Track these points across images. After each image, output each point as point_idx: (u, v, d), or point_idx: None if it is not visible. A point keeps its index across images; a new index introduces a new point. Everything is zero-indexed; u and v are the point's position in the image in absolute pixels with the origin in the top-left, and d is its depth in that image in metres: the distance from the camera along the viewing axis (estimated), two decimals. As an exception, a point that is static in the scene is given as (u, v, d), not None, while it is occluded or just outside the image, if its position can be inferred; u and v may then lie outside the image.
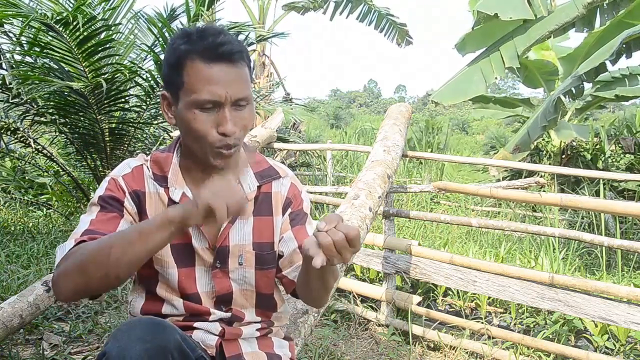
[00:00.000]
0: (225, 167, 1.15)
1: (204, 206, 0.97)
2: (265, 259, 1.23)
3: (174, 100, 1.13)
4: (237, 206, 0.98)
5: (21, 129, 4.62)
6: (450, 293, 3.44)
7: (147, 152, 5.07)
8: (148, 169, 1.20)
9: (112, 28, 4.52)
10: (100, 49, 4.12)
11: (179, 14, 4.81)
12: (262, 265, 1.23)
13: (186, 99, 1.08)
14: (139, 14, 4.92)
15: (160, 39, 4.29)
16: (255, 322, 1.26)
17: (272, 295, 1.28)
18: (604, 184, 6.03)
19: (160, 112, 4.84)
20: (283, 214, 1.26)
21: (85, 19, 3.77)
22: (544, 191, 4.90)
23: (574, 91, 6.81)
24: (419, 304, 3.00)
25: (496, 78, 6.85)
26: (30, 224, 4.71)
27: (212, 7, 5.14)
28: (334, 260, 0.96)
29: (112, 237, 1.04)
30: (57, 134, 4.92)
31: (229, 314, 1.22)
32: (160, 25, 4.28)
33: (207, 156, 1.12)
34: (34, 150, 4.85)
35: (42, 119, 4.61)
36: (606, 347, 2.73)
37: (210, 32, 1.09)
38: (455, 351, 2.73)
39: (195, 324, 1.20)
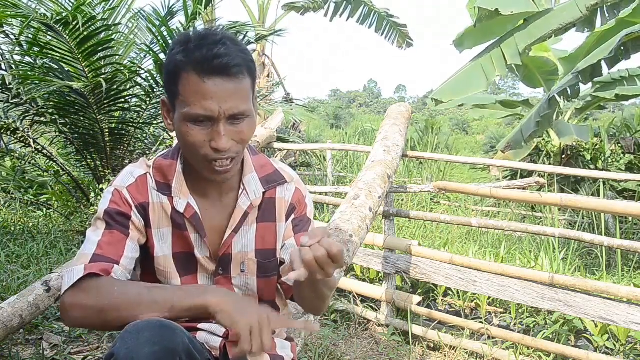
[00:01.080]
0: (225, 178, 1.12)
1: (244, 333, 0.95)
2: (267, 267, 1.22)
3: (171, 108, 1.10)
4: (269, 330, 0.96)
5: (21, 129, 4.61)
6: (450, 293, 3.44)
7: (147, 152, 5.01)
8: (151, 177, 1.17)
9: (112, 28, 4.53)
10: (100, 48, 4.12)
11: (177, 11, 4.81)
12: (263, 274, 1.22)
13: (181, 110, 1.05)
14: (138, 13, 4.93)
15: (159, 38, 4.29)
16: None
17: (274, 301, 1.27)
18: (604, 184, 6.03)
19: (160, 112, 4.86)
20: (286, 220, 1.24)
21: (85, 19, 3.77)
22: (543, 191, 4.90)
23: (569, 91, 6.79)
24: (419, 304, 3.00)
25: (497, 76, 6.81)
26: (30, 224, 4.70)
27: (211, 5, 5.14)
28: (316, 276, 0.94)
29: (141, 293, 1.03)
30: (57, 134, 4.92)
31: None
32: (158, 23, 4.28)
33: (201, 169, 1.10)
34: (34, 150, 4.84)
35: (42, 119, 4.61)
36: (606, 347, 2.72)
37: (209, 40, 1.03)
38: (455, 351, 2.73)
39: (200, 325, 1.20)
